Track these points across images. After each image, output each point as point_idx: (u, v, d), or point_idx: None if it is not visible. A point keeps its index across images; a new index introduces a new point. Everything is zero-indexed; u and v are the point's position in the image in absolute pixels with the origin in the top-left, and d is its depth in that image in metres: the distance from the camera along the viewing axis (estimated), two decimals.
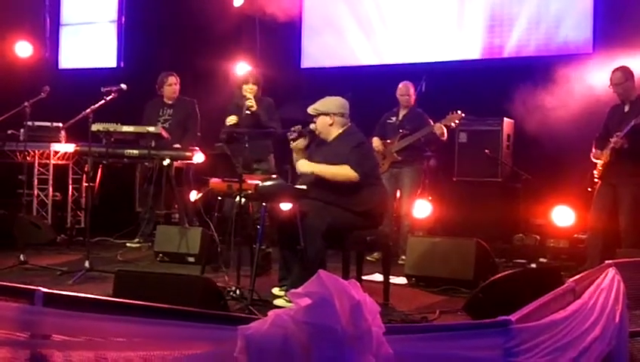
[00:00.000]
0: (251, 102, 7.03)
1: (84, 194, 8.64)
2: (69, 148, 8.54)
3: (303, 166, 5.30)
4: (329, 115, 5.48)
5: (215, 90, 8.49)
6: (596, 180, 6.64)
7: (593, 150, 6.65)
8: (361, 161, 5.35)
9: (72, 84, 10.03)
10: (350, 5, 9.77)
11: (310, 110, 5.55)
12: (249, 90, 7.17)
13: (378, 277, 5.87)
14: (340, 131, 5.51)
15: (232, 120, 7.17)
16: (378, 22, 9.57)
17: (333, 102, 5.54)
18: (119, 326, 1.95)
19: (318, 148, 5.62)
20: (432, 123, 7.56)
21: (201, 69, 8.44)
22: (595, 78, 7.33)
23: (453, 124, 7.55)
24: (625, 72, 6.56)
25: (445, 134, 7.53)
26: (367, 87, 8.45)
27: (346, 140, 5.44)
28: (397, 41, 9.45)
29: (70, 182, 8.93)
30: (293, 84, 9.40)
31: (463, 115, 7.48)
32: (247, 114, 7.04)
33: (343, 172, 5.25)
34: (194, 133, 8.06)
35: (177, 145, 7.67)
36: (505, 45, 8.82)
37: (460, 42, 9.06)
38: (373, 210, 5.41)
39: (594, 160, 6.62)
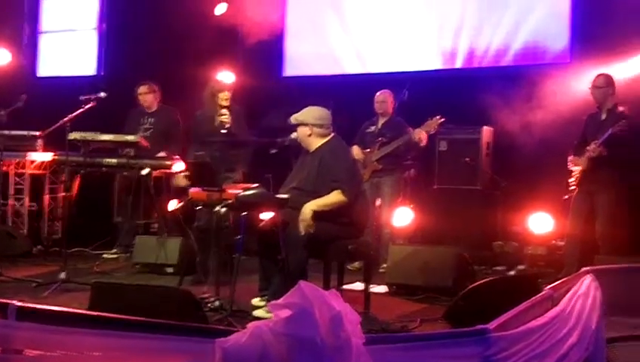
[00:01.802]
0: (227, 118, 6.68)
1: (61, 204, 8.55)
2: (46, 157, 8.44)
3: (306, 209, 5.17)
4: (307, 126, 5.48)
5: (197, 99, 8.44)
6: (573, 188, 6.69)
7: (571, 157, 6.70)
8: (351, 180, 5.38)
9: (50, 93, 9.95)
10: (333, 14, 9.78)
11: (291, 119, 5.56)
12: (225, 99, 6.92)
13: (359, 286, 5.86)
14: (323, 141, 5.50)
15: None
16: (361, 30, 9.59)
17: (312, 113, 5.53)
18: (95, 339, 1.93)
19: (304, 159, 5.61)
20: (411, 130, 7.58)
21: (183, 77, 8.40)
22: (573, 87, 7.40)
23: (432, 130, 7.57)
24: (607, 79, 6.67)
25: (424, 140, 7.55)
26: (350, 96, 8.44)
27: (334, 154, 5.44)
28: (380, 49, 9.47)
29: (47, 191, 8.81)
30: (275, 93, 9.38)
31: (443, 119, 7.51)
32: (221, 126, 6.86)
33: (335, 199, 5.23)
34: (177, 142, 7.99)
35: (162, 154, 7.61)
36: (484, 54, 8.88)
37: (441, 51, 9.11)
38: (355, 221, 5.39)
39: (572, 167, 6.67)
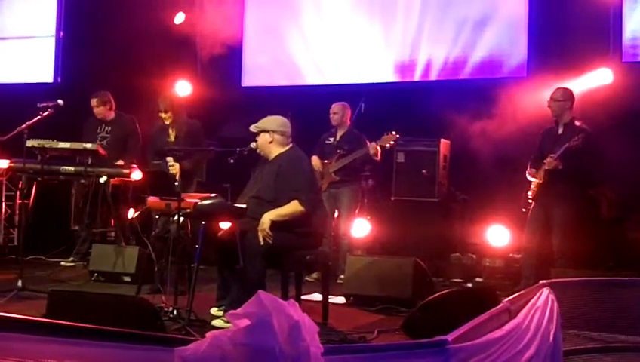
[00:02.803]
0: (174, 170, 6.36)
1: (17, 212, 8.44)
2: (3, 164, 8.30)
3: (265, 219, 5.17)
4: (269, 133, 5.48)
5: (154, 109, 8.40)
6: (530, 201, 6.77)
7: (529, 169, 6.77)
8: (309, 191, 5.39)
9: (7, 100, 9.81)
10: (292, 24, 9.81)
11: (252, 128, 5.56)
12: (166, 118, 6.77)
13: (317, 296, 5.87)
14: (282, 151, 5.51)
15: None
16: (320, 42, 9.65)
17: (273, 121, 5.55)
18: (52, 347, 1.91)
19: (263, 169, 5.60)
20: (368, 143, 7.61)
21: (141, 86, 8.34)
22: (529, 101, 7.50)
23: (388, 145, 7.60)
24: (565, 93, 6.75)
25: (379, 154, 7.59)
26: (309, 106, 8.47)
27: (292, 164, 5.44)
28: (339, 61, 9.54)
29: (3, 199, 8.68)
30: (234, 103, 9.37)
31: (398, 135, 7.55)
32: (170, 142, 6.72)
33: (293, 209, 5.25)
34: (135, 150, 7.91)
35: (120, 162, 7.53)
36: (442, 67, 8.98)
37: (399, 64, 9.19)
38: (313, 231, 5.41)
39: (529, 178, 6.74)
